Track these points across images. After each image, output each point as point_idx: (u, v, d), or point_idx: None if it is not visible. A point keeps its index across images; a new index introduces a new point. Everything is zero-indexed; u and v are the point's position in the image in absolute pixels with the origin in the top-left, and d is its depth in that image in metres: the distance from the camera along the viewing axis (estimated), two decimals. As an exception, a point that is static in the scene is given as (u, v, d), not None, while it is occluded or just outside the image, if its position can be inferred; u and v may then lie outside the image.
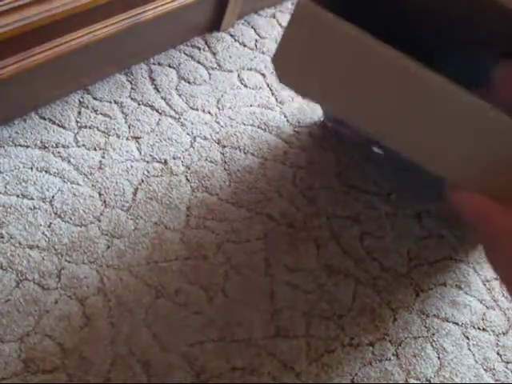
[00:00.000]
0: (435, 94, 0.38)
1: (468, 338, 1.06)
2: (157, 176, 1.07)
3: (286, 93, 1.25)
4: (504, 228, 0.36)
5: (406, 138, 0.40)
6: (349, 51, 0.39)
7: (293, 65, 0.41)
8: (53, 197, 1.00)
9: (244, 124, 1.18)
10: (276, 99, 1.24)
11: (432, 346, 1.04)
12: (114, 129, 1.10)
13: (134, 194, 1.04)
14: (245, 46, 1.31)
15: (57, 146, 1.05)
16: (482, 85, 0.39)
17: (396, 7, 0.46)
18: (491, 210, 0.37)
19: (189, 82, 1.20)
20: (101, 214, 1.00)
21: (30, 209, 0.98)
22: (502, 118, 0.37)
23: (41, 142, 1.04)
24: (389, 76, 0.39)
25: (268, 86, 1.25)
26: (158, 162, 1.09)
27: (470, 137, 0.38)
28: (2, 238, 0.94)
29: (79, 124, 1.08)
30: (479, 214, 0.38)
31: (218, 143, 1.14)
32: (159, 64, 1.21)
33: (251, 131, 1.17)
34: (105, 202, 1.02)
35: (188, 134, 1.13)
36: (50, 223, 0.97)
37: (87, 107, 1.11)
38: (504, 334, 1.08)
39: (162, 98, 1.16)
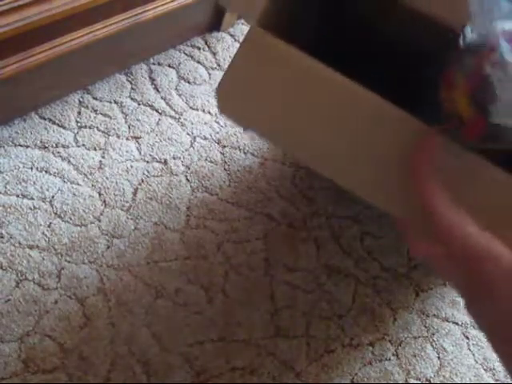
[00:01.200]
0: (390, 124, 0.35)
1: (468, 338, 1.06)
2: (157, 176, 1.07)
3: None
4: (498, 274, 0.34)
5: (355, 175, 0.37)
6: (299, 81, 0.36)
7: (239, 95, 0.38)
8: (53, 197, 1.00)
9: (244, 124, 1.18)
10: (276, 99, 1.24)
11: (432, 346, 1.04)
12: (113, 129, 1.10)
13: (134, 194, 1.04)
14: (245, 45, 1.30)
15: (57, 146, 1.05)
16: None
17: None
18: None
19: (189, 82, 1.20)
20: (101, 214, 1.00)
21: (30, 209, 0.98)
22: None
23: (41, 141, 1.04)
24: (343, 109, 0.35)
25: (268, 85, 1.25)
26: (158, 161, 1.09)
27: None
28: (2, 237, 0.94)
29: (79, 124, 1.08)
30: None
31: (218, 143, 1.14)
32: (159, 64, 1.21)
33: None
34: (105, 201, 1.02)
35: (188, 134, 1.13)
36: (50, 223, 0.97)
37: (87, 107, 1.11)
38: (504, 333, 1.08)
39: (161, 98, 1.16)
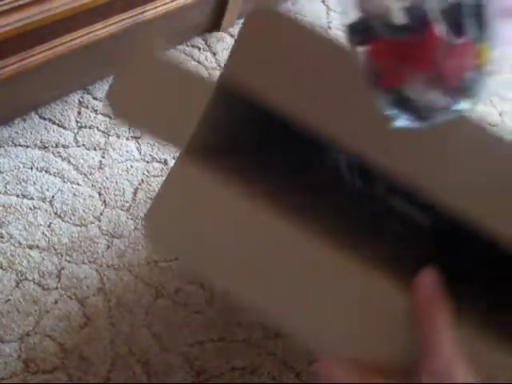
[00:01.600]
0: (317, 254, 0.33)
1: (468, 338, 1.06)
2: (157, 176, 1.07)
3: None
4: None
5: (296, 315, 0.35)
6: (231, 219, 0.34)
7: (168, 229, 0.35)
8: (53, 197, 1.00)
9: (244, 124, 1.18)
10: (276, 99, 1.24)
11: (432, 345, 1.04)
12: (113, 129, 1.10)
13: (134, 194, 1.04)
14: (245, 46, 1.30)
15: (57, 146, 1.05)
16: None
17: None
18: None
19: (189, 82, 1.20)
20: (101, 214, 1.00)
21: (30, 209, 0.98)
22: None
23: (41, 141, 1.04)
24: (280, 252, 0.34)
25: (268, 85, 1.25)
26: (157, 161, 1.09)
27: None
28: (2, 237, 0.94)
29: (79, 124, 1.08)
30: None
31: (217, 143, 1.14)
32: (159, 64, 1.21)
33: (251, 131, 1.17)
34: (105, 201, 1.02)
35: (188, 133, 1.13)
36: (50, 223, 0.97)
37: (87, 107, 1.11)
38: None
39: (161, 98, 1.16)
